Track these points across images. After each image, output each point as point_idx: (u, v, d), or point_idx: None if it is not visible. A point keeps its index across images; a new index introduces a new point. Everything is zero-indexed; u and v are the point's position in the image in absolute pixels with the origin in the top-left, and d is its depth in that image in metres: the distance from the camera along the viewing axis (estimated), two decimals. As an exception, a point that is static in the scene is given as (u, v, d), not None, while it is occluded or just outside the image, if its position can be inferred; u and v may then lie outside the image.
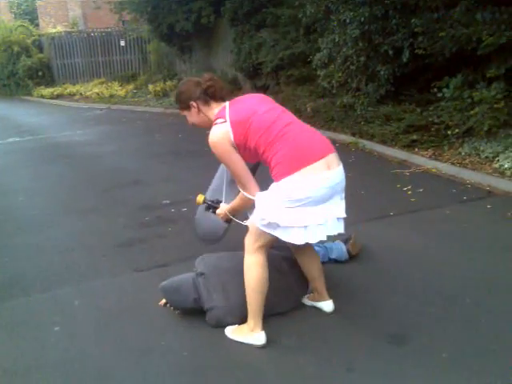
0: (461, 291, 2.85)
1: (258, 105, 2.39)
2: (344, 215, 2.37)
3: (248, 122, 2.30)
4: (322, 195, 2.24)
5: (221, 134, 2.32)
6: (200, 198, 2.93)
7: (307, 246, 2.53)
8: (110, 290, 3.16)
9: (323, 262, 3.18)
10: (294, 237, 2.27)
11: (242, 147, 2.34)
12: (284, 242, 2.36)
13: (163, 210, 4.66)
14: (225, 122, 2.33)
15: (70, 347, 2.56)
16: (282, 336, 2.53)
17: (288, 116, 2.38)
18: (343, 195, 2.41)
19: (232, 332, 2.56)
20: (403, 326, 2.56)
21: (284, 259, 2.78)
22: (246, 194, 2.40)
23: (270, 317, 2.63)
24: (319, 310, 2.73)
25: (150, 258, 3.61)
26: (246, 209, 2.56)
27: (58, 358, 2.47)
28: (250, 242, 2.42)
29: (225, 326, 2.59)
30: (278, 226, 2.26)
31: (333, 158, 2.31)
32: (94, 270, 3.48)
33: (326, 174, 2.23)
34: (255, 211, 2.35)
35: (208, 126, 2.48)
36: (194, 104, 2.47)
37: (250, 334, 2.48)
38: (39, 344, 2.60)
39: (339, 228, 2.38)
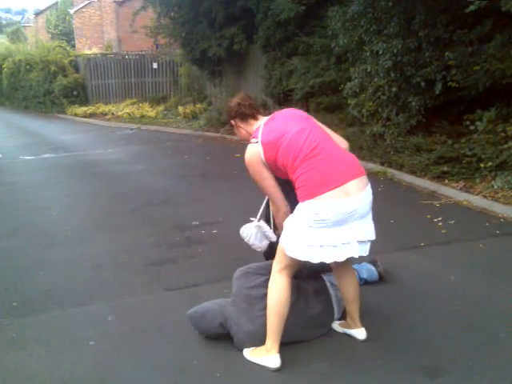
0: (493, 325, 2.82)
1: (291, 124, 2.50)
2: (364, 239, 2.43)
3: (278, 143, 2.44)
4: (337, 220, 2.33)
5: (253, 154, 2.52)
6: None
7: (347, 267, 2.67)
8: (142, 308, 3.21)
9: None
10: (310, 256, 2.38)
11: (273, 166, 2.50)
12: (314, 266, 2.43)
13: (193, 231, 4.72)
14: (257, 142, 2.50)
15: (104, 362, 2.60)
16: (314, 362, 2.53)
17: (318, 137, 2.45)
18: (367, 219, 2.46)
19: (250, 353, 2.60)
20: (437, 358, 2.53)
21: (311, 289, 2.80)
22: (273, 212, 2.64)
23: (301, 342, 2.64)
24: (351, 337, 2.73)
25: (181, 278, 3.65)
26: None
27: (93, 373, 2.52)
28: (276, 262, 2.53)
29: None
30: (298, 246, 2.38)
31: (356, 183, 2.37)
32: (126, 287, 3.54)
33: (343, 201, 2.32)
34: (282, 232, 2.48)
35: (249, 139, 2.62)
36: (233, 122, 2.74)
37: (265, 355, 2.51)
38: (74, 358, 2.65)
39: (361, 251, 2.44)
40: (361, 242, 2.42)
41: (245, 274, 2.82)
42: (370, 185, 2.45)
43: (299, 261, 2.44)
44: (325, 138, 2.47)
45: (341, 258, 2.41)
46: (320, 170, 2.35)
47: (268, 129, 2.51)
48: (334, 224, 2.33)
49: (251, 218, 2.87)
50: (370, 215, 2.48)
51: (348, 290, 2.71)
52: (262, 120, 2.60)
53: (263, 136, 2.48)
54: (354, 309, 2.72)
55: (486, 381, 2.34)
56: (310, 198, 2.34)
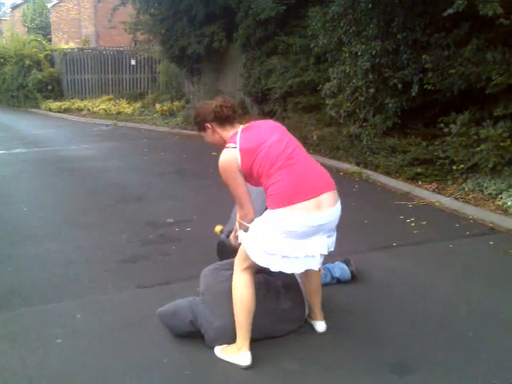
0: (463, 324, 2.86)
1: (269, 134, 2.47)
2: (325, 252, 2.46)
3: (256, 151, 2.40)
4: (304, 232, 2.35)
5: (229, 159, 2.44)
6: (217, 228, 3.14)
7: None
8: (112, 305, 3.16)
9: (327, 284, 3.22)
10: (271, 264, 2.40)
11: (247, 173, 2.45)
12: None
13: (167, 229, 4.67)
14: (235, 147, 2.43)
15: (72, 360, 2.55)
16: (284, 360, 2.53)
17: (294, 148, 2.46)
18: (332, 233, 2.53)
19: (221, 350, 2.59)
20: (405, 355, 2.56)
21: (281, 284, 2.79)
22: (239, 216, 2.54)
23: (271, 339, 2.63)
24: (321, 335, 2.73)
25: (153, 275, 3.61)
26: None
27: (60, 370, 2.46)
28: (238, 263, 2.53)
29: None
30: (261, 251, 2.38)
31: (327, 198, 2.39)
32: (97, 284, 3.48)
33: (314, 214, 2.33)
34: (246, 234, 2.46)
35: (223, 145, 2.56)
36: (209, 125, 2.59)
37: (236, 353, 2.51)
38: (41, 355, 2.59)
39: (314, 264, 2.45)
40: (322, 255, 2.46)
41: (212, 271, 2.81)
42: (339, 201, 2.47)
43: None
44: (301, 151, 2.49)
45: (300, 270, 2.48)
46: (294, 180, 2.35)
47: (247, 136, 2.47)
48: (301, 236, 2.35)
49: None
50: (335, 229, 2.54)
51: (310, 283, 2.77)
52: (239, 127, 2.55)
53: (242, 142, 2.43)
54: (315, 301, 2.79)
55: (452, 378, 2.36)
56: (281, 206, 2.33)
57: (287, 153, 2.41)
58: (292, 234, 2.33)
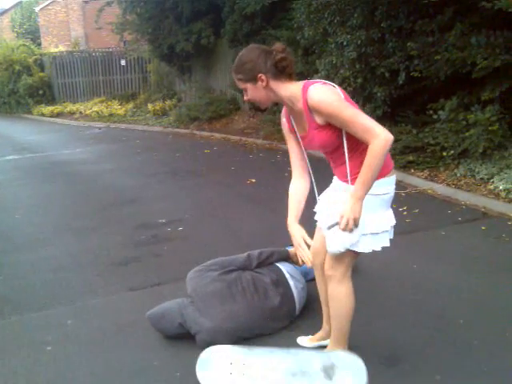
0: (454, 312, 2.86)
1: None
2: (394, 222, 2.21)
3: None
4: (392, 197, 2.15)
5: (331, 89, 2.01)
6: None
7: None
8: (103, 310, 3.15)
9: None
10: (373, 245, 2.14)
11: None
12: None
13: (159, 229, 4.66)
14: (334, 87, 2.05)
15: (62, 367, 2.54)
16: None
17: None
18: None
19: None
20: (395, 346, 2.55)
21: (269, 281, 2.78)
22: (381, 145, 1.87)
23: (262, 337, 2.63)
24: (314, 328, 2.72)
25: (145, 277, 3.60)
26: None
27: (50, 378, 2.45)
28: (342, 271, 2.17)
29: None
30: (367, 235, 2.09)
31: None
32: (88, 289, 3.47)
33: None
34: (338, 236, 2.00)
35: (269, 103, 2.17)
36: (263, 77, 2.05)
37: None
38: (31, 363, 2.58)
39: (388, 239, 2.20)
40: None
41: (198, 272, 2.80)
42: None
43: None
44: None
45: (382, 245, 2.17)
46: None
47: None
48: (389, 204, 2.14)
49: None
50: None
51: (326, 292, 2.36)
52: (299, 82, 2.08)
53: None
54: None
55: (441, 367, 2.36)
56: (386, 173, 2.06)
57: None
58: (390, 201, 2.11)
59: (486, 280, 3.25)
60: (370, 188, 1.93)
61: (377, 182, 1.97)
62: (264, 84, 2.06)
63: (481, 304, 2.94)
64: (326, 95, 1.97)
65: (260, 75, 2.05)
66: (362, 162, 1.93)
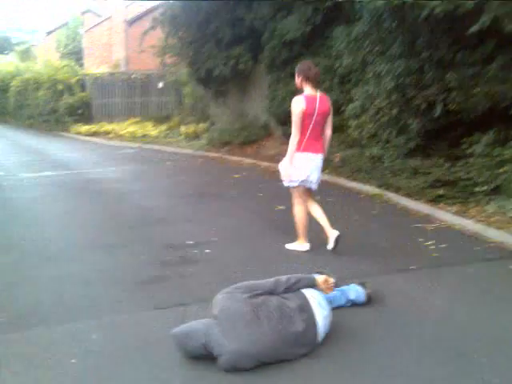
0: (477, 350, 2.79)
1: (320, 107, 4.27)
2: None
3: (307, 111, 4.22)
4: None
5: (301, 100, 4.22)
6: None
7: (309, 196, 4.52)
8: (128, 326, 3.19)
9: (341, 306, 3.23)
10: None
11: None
12: None
13: (186, 250, 4.71)
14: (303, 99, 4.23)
15: (84, 381, 2.58)
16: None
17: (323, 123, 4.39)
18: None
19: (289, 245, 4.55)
20: (416, 381, 2.50)
21: (295, 306, 2.79)
22: (293, 137, 4.30)
23: (284, 362, 2.62)
24: (333, 359, 2.70)
25: (170, 297, 3.64)
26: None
27: (72, 391, 2.49)
28: (294, 197, 4.50)
29: (237, 371, 2.57)
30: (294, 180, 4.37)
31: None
32: (114, 305, 3.52)
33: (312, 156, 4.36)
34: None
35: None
36: (300, 75, 4.32)
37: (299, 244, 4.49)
38: (55, 375, 2.63)
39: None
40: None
41: (225, 294, 2.82)
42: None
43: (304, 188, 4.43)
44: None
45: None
46: (311, 139, 4.32)
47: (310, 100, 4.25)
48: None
49: None
50: None
51: (316, 211, 4.46)
52: (315, 93, 4.29)
53: (307, 99, 4.24)
54: (324, 222, 4.37)
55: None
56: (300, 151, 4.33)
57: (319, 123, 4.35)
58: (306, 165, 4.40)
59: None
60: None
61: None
62: (299, 80, 4.40)
63: (505, 344, 2.87)
64: (295, 102, 4.27)
65: (299, 75, 4.40)
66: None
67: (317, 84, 4.30)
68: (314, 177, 4.38)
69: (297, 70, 4.31)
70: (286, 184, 4.45)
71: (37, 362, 2.78)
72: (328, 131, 4.43)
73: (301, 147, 4.26)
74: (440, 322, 3.15)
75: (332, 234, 4.32)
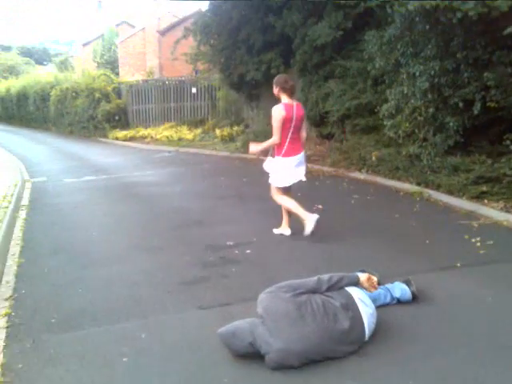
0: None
1: (296, 113, 4.80)
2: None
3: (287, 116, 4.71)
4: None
5: (281, 108, 4.70)
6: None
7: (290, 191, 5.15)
8: (174, 326, 3.26)
9: (387, 304, 3.22)
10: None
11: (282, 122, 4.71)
12: None
13: (227, 251, 4.76)
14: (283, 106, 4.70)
15: (137, 378, 2.65)
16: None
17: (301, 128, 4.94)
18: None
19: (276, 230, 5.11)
20: (465, 380, 2.46)
21: (339, 305, 2.80)
22: (272, 141, 4.83)
23: (332, 359, 2.62)
24: (381, 356, 2.68)
25: (213, 297, 3.69)
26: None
27: (125, 388, 2.56)
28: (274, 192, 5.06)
29: (285, 368, 2.59)
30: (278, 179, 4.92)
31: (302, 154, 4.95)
32: (160, 305, 3.60)
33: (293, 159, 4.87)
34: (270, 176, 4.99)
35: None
36: (277, 87, 4.86)
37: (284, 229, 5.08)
38: (108, 373, 2.72)
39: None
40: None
41: (269, 293, 2.85)
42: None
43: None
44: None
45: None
46: (291, 145, 4.85)
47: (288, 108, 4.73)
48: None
49: None
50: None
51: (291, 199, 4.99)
52: (291, 101, 4.79)
53: (287, 108, 4.72)
54: (300, 211, 4.81)
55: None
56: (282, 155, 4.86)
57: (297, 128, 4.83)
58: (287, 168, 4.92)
59: None
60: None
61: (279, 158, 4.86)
62: (277, 90, 4.91)
63: None
64: (276, 109, 4.73)
65: (276, 87, 4.92)
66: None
67: (292, 94, 4.84)
68: (298, 176, 4.99)
69: (274, 82, 4.89)
70: (270, 181, 5.07)
71: (90, 360, 2.87)
72: (303, 133, 5.03)
73: (282, 152, 4.84)
74: (490, 321, 3.09)
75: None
